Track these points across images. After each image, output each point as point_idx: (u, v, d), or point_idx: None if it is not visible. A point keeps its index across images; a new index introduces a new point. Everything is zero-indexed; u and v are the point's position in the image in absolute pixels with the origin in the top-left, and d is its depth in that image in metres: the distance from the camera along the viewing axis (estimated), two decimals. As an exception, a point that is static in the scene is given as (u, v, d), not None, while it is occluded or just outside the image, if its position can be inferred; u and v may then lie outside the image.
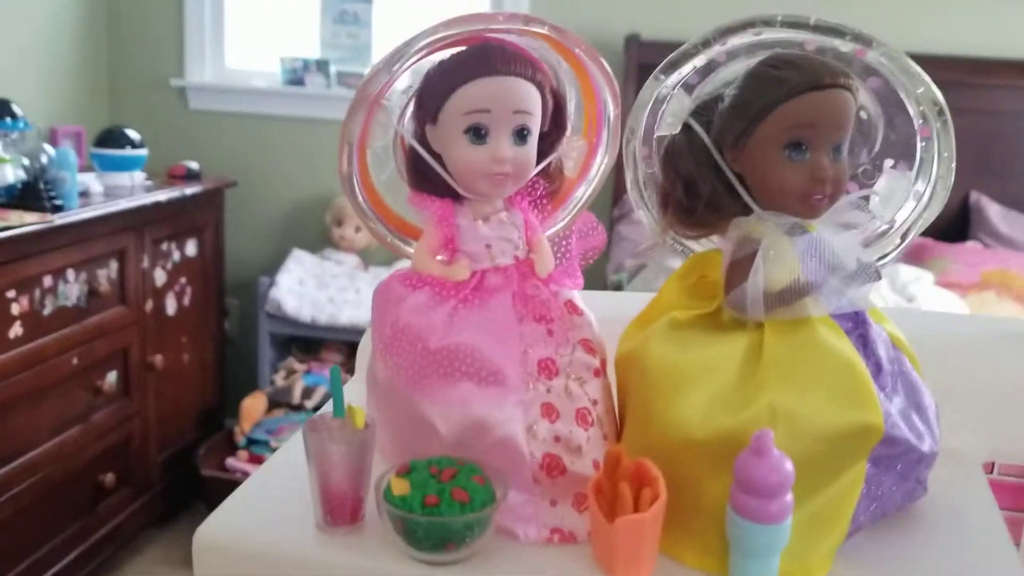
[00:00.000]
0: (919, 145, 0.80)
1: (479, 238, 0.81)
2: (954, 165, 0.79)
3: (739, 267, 0.76)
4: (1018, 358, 0.99)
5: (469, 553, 0.72)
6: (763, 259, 0.74)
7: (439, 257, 0.81)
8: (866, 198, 0.79)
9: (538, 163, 0.83)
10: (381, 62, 0.76)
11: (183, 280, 2.55)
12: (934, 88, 0.76)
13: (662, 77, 0.80)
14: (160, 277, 2.44)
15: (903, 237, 0.83)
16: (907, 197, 0.82)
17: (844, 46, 0.76)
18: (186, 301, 2.57)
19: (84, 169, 2.43)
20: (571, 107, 0.86)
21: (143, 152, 2.46)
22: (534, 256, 0.82)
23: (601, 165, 0.89)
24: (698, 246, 0.86)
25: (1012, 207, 2.76)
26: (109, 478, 2.27)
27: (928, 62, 0.79)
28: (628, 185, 0.85)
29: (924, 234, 0.80)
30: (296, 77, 2.82)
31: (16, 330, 1.93)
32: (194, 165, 2.61)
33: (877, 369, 0.76)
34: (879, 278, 0.76)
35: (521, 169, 0.80)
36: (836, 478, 0.74)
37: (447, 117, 0.79)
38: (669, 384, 0.74)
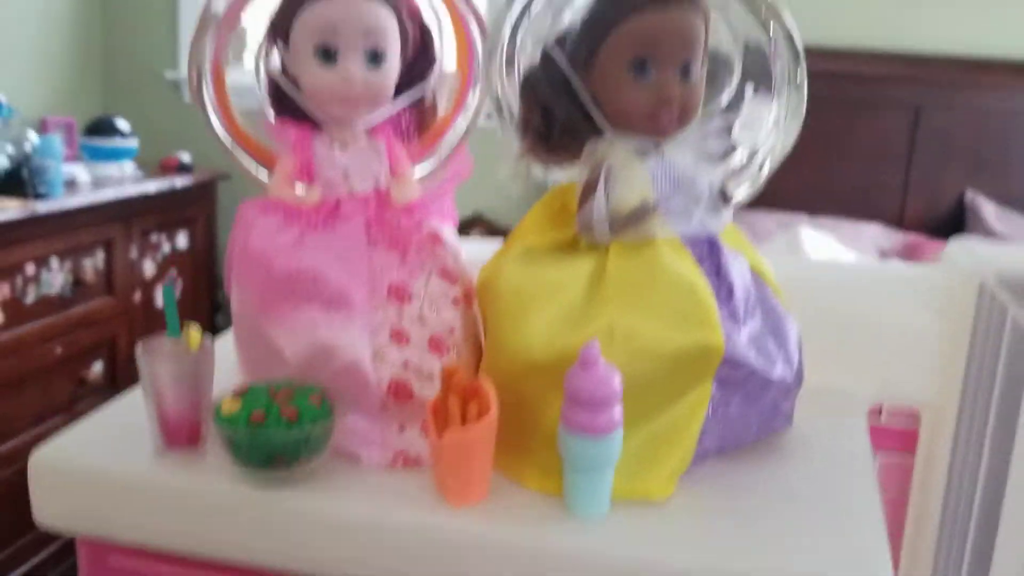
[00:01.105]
0: (775, 69, 0.78)
1: (336, 165, 0.80)
2: (804, 84, 0.77)
3: (589, 188, 0.74)
4: (907, 302, 0.97)
5: (303, 473, 0.71)
6: (610, 179, 0.73)
7: (299, 187, 0.80)
8: (728, 127, 0.78)
9: (405, 93, 0.82)
10: None
11: (173, 272, 2.56)
12: (779, 5, 0.75)
13: None
14: (149, 268, 2.46)
15: (761, 168, 0.81)
16: (766, 124, 0.80)
17: None
18: (176, 294, 2.58)
19: (74, 159, 2.46)
20: (442, 38, 0.85)
21: (133, 143, 2.49)
22: (393, 184, 0.81)
23: (475, 98, 0.88)
24: (565, 176, 0.85)
25: (1008, 206, 2.71)
26: (93, 468, 2.28)
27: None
28: (492, 113, 0.84)
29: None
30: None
31: (-3, 317, 1.95)
32: (186, 157, 2.63)
33: (728, 294, 0.74)
34: (729, 201, 0.74)
35: (375, 93, 0.79)
36: (677, 399, 0.72)
37: (297, 38, 0.78)
38: (516, 307, 0.73)
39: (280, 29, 0.79)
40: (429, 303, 0.78)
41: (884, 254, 2.67)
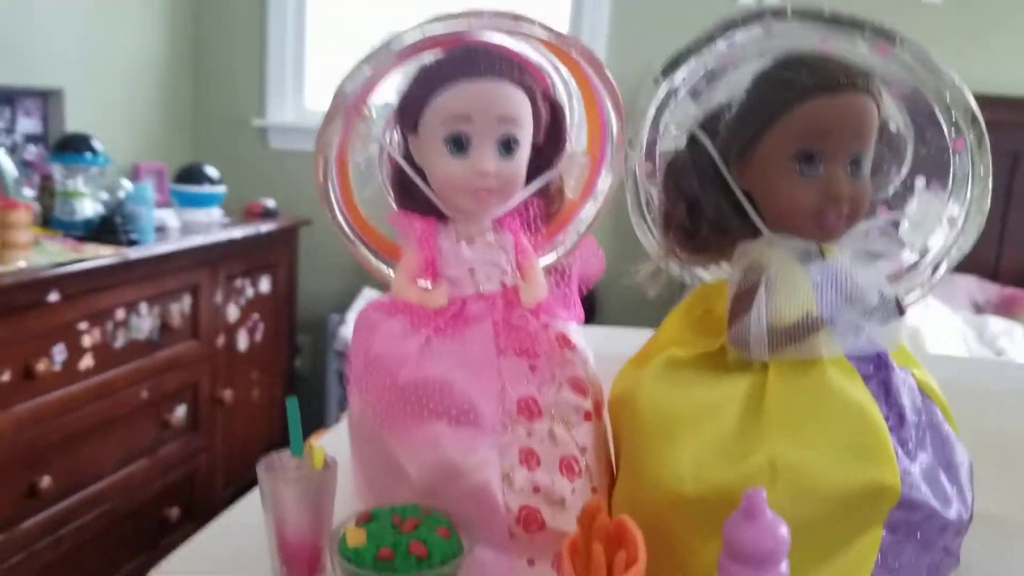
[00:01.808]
0: (953, 161, 0.70)
1: (462, 261, 0.74)
2: (990, 184, 0.69)
3: (743, 298, 0.67)
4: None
5: (428, 612, 0.65)
6: (768, 289, 0.65)
7: (422, 282, 0.75)
8: (895, 224, 0.70)
9: (535, 180, 0.77)
10: (356, 64, 0.71)
11: (256, 316, 2.56)
12: (966, 92, 0.67)
13: (661, 79, 0.72)
14: (233, 313, 2.46)
15: (935, 269, 0.73)
16: (940, 222, 0.72)
17: (863, 43, 0.67)
18: (258, 337, 2.58)
19: (164, 205, 2.48)
20: (573, 119, 0.79)
21: (221, 189, 2.50)
22: (521, 283, 0.75)
23: (606, 184, 0.82)
24: (708, 275, 0.78)
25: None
26: (174, 512, 2.27)
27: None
28: (629, 205, 0.77)
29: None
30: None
31: (87, 361, 1.95)
32: (271, 203, 2.64)
33: (899, 421, 0.66)
34: (903, 314, 0.66)
35: (507, 184, 0.74)
36: (845, 546, 0.64)
37: (426, 126, 0.73)
38: (661, 431, 0.66)
39: (409, 116, 0.74)
40: (561, 419, 0.71)
41: (979, 308, 2.55)
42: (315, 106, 3.02)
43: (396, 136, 0.77)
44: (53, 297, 1.81)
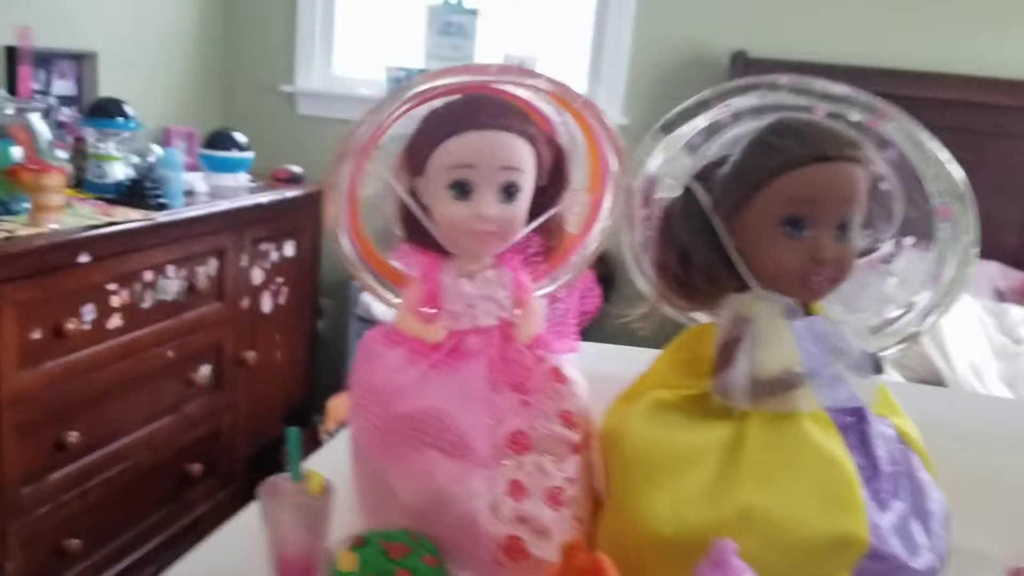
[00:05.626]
0: (938, 226, 0.72)
1: (461, 296, 0.77)
2: (975, 250, 0.70)
3: (729, 349, 0.70)
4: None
5: (414, 636, 0.69)
6: (753, 343, 0.68)
7: (424, 310, 0.78)
8: (882, 279, 0.72)
9: (538, 217, 0.79)
10: (368, 111, 0.74)
11: (280, 280, 2.60)
12: (950, 168, 0.68)
13: (661, 135, 0.75)
14: (258, 276, 2.50)
15: (919, 325, 0.75)
16: (925, 280, 0.74)
17: (854, 116, 0.68)
18: (281, 300, 2.62)
19: (193, 168, 2.51)
20: (576, 160, 0.81)
21: (249, 155, 2.53)
22: (517, 318, 0.78)
23: (605, 220, 0.85)
24: (701, 316, 0.81)
25: None
26: (196, 468, 2.34)
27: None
28: (623, 247, 0.80)
29: None
30: (400, 86, 2.83)
31: (116, 321, 2.00)
32: (297, 169, 2.67)
33: (874, 471, 0.69)
34: (881, 371, 0.69)
35: (507, 227, 0.76)
36: None
37: (433, 170, 0.75)
38: (644, 474, 0.70)
39: (416, 159, 0.76)
40: (549, 452, 0.75)
41: (1001, 295, 2.53)
42: (343, 72, 3.03)
43: (404, 175, 0.79)
44: (84, 259, 1.85)
